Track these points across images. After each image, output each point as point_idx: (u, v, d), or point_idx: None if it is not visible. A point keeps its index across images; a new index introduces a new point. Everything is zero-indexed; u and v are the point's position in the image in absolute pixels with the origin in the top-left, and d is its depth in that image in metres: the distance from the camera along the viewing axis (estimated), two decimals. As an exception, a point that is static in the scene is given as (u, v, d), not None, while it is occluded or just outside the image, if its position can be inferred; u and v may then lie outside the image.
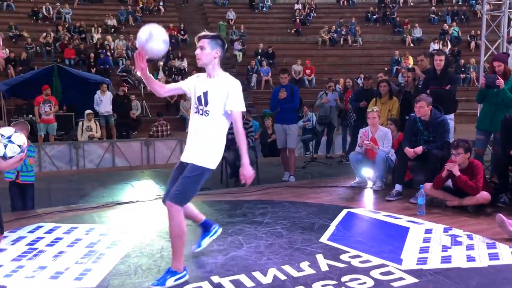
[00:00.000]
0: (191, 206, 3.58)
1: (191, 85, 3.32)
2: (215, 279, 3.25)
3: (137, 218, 4.93)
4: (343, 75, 14.39)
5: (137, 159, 10.38)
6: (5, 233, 4.35)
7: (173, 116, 14.24)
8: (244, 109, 3.27)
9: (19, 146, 2.62)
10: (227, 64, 19.36)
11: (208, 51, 3.16)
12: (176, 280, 3.17)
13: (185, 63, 17.65)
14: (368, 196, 5.77)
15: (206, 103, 3.19)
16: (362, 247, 3.85)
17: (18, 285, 3.21)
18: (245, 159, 3.17)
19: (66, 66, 14.57)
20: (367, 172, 6.06)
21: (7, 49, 15.68)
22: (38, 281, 3.29)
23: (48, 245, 4.03)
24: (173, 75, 16.84)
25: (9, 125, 9.83)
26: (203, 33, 3.23)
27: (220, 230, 3.84)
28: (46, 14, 19.67)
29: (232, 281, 3.23)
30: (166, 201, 3.23)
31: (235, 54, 19.31)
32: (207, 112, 3.19)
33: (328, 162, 8.74)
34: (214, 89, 3.18)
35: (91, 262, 3.63)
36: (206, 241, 3.74)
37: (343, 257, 3.64)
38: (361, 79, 16.42)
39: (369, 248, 3.81)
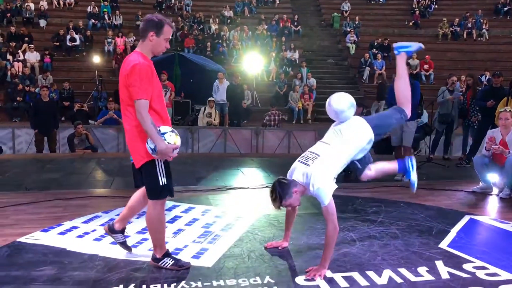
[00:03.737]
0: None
1: None
2: (327, 273, 3.19)
3: (249, 203, 5.04)
4: (465, 72, 13.38)
5: (246, 147, 10.65)
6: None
7: (282, 107, 14.35)
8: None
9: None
10: (339, 56, 19.06)
11: (291, 200, 3.20)
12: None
13: (296, 55, 17.68)
14: (493, 203, 5.30)
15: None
16: (488, 258, 3.53)
17: (142, 256, 3.45)
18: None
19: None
20: (493, 178, 5.56)
21: (134, 36, 16.99)
22: (160, 254, 3.50)
23: (168, 221, 4.27)
24: (283, 66, 16.98)
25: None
26: (273, 203, 3.22)
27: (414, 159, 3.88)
28: (168, 4, 20.92)
29: (344, 278, 3.15)
30: None
31: (347, 46, 18.91)
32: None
33: (446, 164, 8.19)
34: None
35: (207, 242, 3.79)
36: (414, 175, 3.78)
37: (466, 266, 3.37)
38: (485, 77, 15.23)
39: (497, 261, 3.47)
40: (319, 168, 3.18)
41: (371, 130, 3.44)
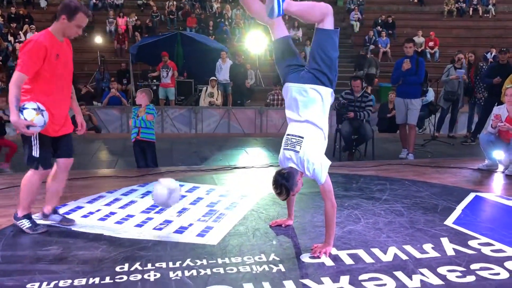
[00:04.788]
0: None
1: None
2: (332, 251, 3.19)
3: (253, 182, 5.03)
4: (471, 49, 13.20)
5: (250, 127, 10.63)
6: (135, 187, 4.73)
7: (286, 86, 14.23)
8: None
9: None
10: (342, 34, 18.78)
11: (297, 188, 3.13)
12: None
13: (300, 33, 17.47)
14: (499, 180, 5.27)
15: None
16: (493, 235, 3.52)
17: (147, 235, 3.46)
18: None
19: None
20: (499, 155, 5.52)
21: (136, 16, 16.81)
22: (165, 233, 3.51)
23: (172, 201, 4.28)
24: (287, 45, 16.77)
25: (136, 89, 10.59)
26: (280, 197, 3.13)
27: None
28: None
29: (350, 255, 3.15)
30: None
31: (351, 24, 18.65)
32: None
33: (451, 142, 8.15)
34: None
35: (212, 220, 3.79)
36: None
37: (472, 243, 3.36)
38: (491, 53, 15.03)
39: (503, 237, 3.46)
40: (310, 150, 3.10)
41: (327, 88, 3.15)
